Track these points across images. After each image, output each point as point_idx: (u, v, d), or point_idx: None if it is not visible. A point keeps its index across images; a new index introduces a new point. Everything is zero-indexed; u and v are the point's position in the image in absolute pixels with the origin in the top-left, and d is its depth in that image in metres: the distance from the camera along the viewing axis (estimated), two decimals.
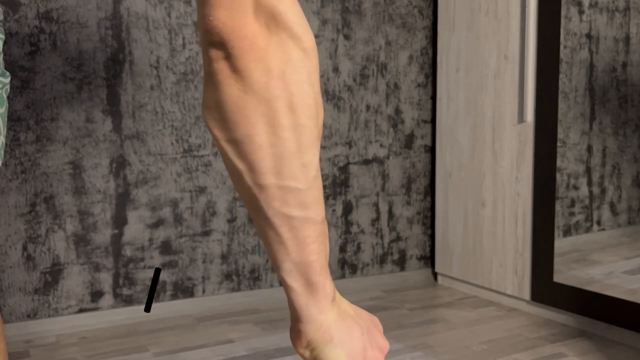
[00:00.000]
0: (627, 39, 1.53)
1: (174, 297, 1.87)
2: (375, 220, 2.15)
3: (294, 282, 0.52)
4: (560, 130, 1.71)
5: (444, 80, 2.10)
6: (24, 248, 1.68)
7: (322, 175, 2.05)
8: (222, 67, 0.46)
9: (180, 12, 1.82)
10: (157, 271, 1.78)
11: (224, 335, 1.69)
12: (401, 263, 2.22)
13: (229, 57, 0.46)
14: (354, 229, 2.12)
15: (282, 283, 0.53)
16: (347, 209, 2.10)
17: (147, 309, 1.60)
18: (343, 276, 2.11)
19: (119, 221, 1.78)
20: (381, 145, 2.14)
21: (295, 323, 0.55)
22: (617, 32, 1.56)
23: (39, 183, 1.68)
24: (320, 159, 2.04)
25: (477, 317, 1.83)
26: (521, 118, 1.82)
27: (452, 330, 1.71)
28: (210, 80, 0.47)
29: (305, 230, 0.51)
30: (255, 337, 1.66)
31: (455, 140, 2.07)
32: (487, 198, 1.95)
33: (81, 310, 1.75)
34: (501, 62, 1.87)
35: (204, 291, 1.90)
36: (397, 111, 2.16)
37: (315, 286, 0.53)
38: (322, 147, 2.04)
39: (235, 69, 0.46)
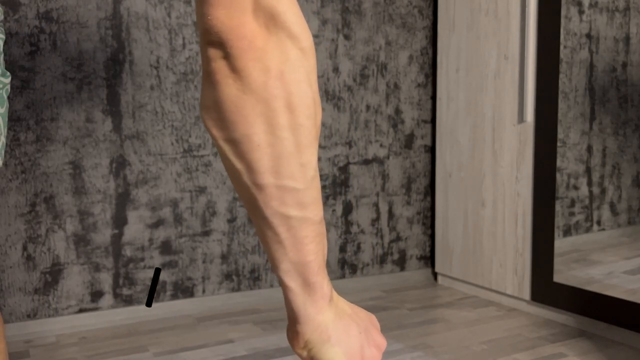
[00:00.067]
0: (627, 39, 1.53)
1: (174, 297, 1.87)
2: (375, 220, 2.15)
3: (292, 282, 0.52)
4: (560, 130, 1.71)
5: (444, 80, 2.10)
6: (24, 248, 1.68)
7: (322, 175, 2.05)
8: (220, 67, 0.46)
9: (180, 12, 1.82)
10: (157, 271, 1.78)
11: (224, 335, 1.69)
12: (401, 263, 2.22)
13: (227, 56, 0.46)
14: (354, 229, 2.12)
15: (280, 283, 0.53)
16: (347, 209, 2.10)
17: (149, 304, 1.60)
18: (343, 276, 2.11)
19: (119, 221, 1.78)
20: (381, 145, 2.14)
21: (292, 323, 0.55)
22: (617, 32, 1.56)
23: (39, 183, 1.68)
24: (320, 159, 2.04)
25: (477, 317, 1.83)
26: (521, 118, 1.82)
27: (452, 330, 1.71)
28: (209, 79, 0.47)
29: (303, 230, 0.51)
30: (255, 337, 1.66)
31: (455, 140, 2.07)
32: (487, 198, 1.95)
33: (81, 310, 1.75)
34: (501, 62, 1.87)
35: (204, 291, 1.90)
36: (397, 111, 2.16)
37: (313, 286, 0.53)
38: (322, 147, 2.04)
39: (233, 69, 0.46)
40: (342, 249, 2.10)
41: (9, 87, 0.80)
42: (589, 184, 1.64)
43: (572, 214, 1.69)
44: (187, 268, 1.87)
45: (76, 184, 1.72)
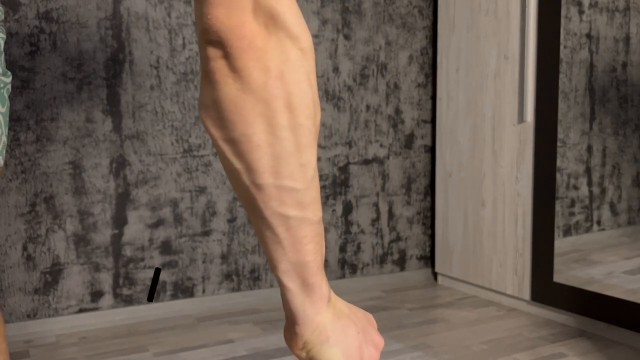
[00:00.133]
0: (627, 39, 1.53)
1: (174, 297, 1.87)
2: (375, 220, 2.15)
3: (290, 282, 0.52)
4: (560, 130, 1.71)
5: (444, 80, 2.10)
6: (24, 248, 1.68)
7: (322, 175, 2.05)
8: (220, 66, 0.46)
9: (180, 12, 1.82)
10: (157, 271, 1.78)
11: (224, 335, 1.69)
12: (401, 263, 2.22)
13: (227, 56, 0.46)
14: (354, 229, 2.12)
15: (278, 283, 0.53)
16: (347, 209, 2.10)
17: (150, 299, 1.60)
18: (343, 276, 2.11)
19: (119, 221, 1.78)
20: (381, 145, 2.14)
21: (290, 324, 0.55)
22: (617, 32, 1.56)
23: (39, 183, 1.68)
24: (320, 159, 2.04)
25: (477, 317, 1.83)
26: (521, 118, 1.82)
27: (452, 330, 1.71)
28: (208, 79, 0.47)
29: (302, 230, 0.50)
30: (255, 337, 1.66)
31: (455, 140, 2.07)
32: (487, 198, 1.95)
33: (81, 310, 1.75)
34: (501, 62, 1.87)
35: (204, 291, 1.90)
36: (397, 111, 2.16)
37: (312, 287, 0.53)
38: (322, 147, 2.04)
39: (233, 68, 0.46)
40: (342, 249, 2.10)
41: (9, 86, 0.80)
42: (589, 184, 1.64)
43: (572, 214, 1.69)
44: (187, 268, 1.87)
45: (76, 184, 1.72)
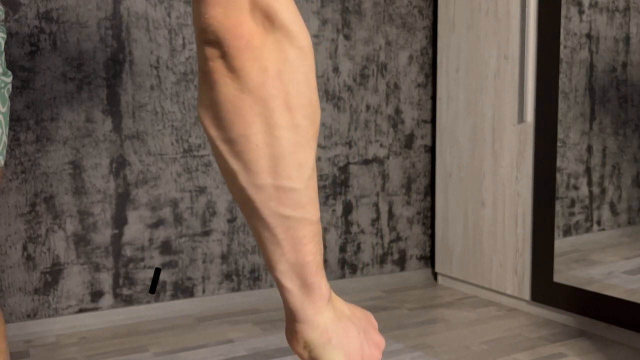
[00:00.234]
0: (627, 39, 1.53)
1: (174, 297, 1.87)
2: (375, 220, 2.15)
3: (289, 283, 0.52)
4: (560, 130, 1.70)
5: (444, 80, 2.10)
6: (24, 248, 1.68)
7: (322, 175, 2.05)
8: (217, 66, 0.46)
9: (180, 12, 1.82)
10: (157, 271, 1.78)
11: (224, 335, 1.69)
12: (401, 263, 2.22)
13: (224, 56, 0.45)
14: (354, 229, 2.12)
15: (277, 284, 0.53)
16: (347, 209, 2.10)
17: (152, 291, 1.60)
18: (343, 276, 2.11)
19: (119, 221, 1.78)
20: (381, 145, 2.14)
21: (291, 323, 0.55)
22: (617, 32, 1.55)
23: (39, 183, 1.68)
24: (320, 159, 2.04)
25: (477, 317, 1.82)
26: (521, 118, 1.82)
27: (452, 330, 1.71)
28: (206, 79, 0.47)
29: (301, 230, 0.50)
30: (255, 337, 1.66)
31: (455, 140, 2.07)
32: (487, 198, 1.95)
33: (81, 310, 1.76)
34: (501, 62, 1.87)
35: (204, 291, 1.90)
36: (397, 111, 2.16)
37: (311, 287, 0.53)
38: (322, 147, 2.04)
39: (231, 68, 0.46)
40: (342, 249, 2.10)
41: (10, 86, 0.80)
42: (589, 184, 1.64)
43: (572, 214, 1.69)
44: (187, 268, 1.87)
45: (76, 184, 1.72)
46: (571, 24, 1.66)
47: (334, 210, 2.07)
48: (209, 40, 0.45)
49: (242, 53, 0.45)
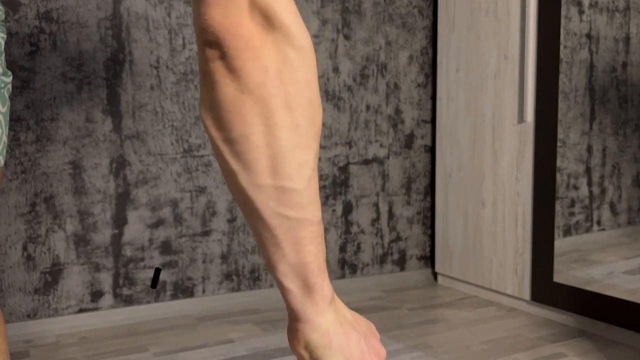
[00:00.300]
0: (627, 39, 1.53)
1: (174, 297, 1.87)
2: (375, 220, 2.15)
3: (290, 283, 0.52)
4: (560, 130, 1.70)
5: (444, 80, 2.10)
6: (24, 248, 1.68)
7: (322, 175, 2.05)
8: (218, 67, 0.46)
9: (180, 12, 1.82)
10: (157, 271, 1.78)
11: (224, 335, 1.69)
12: (401, 263, 2.22)
13: (224, 56, 0.45)
14: (354, 229, 2.12)
15: (278, 285, 0.53)
16: (347, 209, 2.10)
17: (153, 286, 1.60)
18: (343, 276, 2.11)
19: (119, 221, 1.78)
20: (381, 145, 2.14)
21: (292, 322, 0.55)
22: (617, 32, 1.55)
23: (39, 183, 1.68)
24: (320, 159, 2.04)
25: (477, 317, 1.82)
26: (521, 118, 1.82)
27: (452, 330, 1.71)
28: (206, 79, 0.47)
29: (301, 231, 0.50)
30: (255, 337, 1.66)
31: (455, 140, 2.07)
32: (487, 198, 1.95)
33: (81, 310, 1.76)
34: (501, 62, 1.87)
35: (204, 291, 1.90)
36: (397, 111, 2.16)
37: (313, 288, 0.53)
38: (322, 147, 2.05)
39: (231, 69, 0.46)
40: (342, 249, 2.10)
41: (10, 86, 0.80)
42: (589, 184, 1.64)
43: (572, 214, 1.69)
44: (187, 268, 1.87)
45: (76, 184, 1.72)
46: (571, 24, 1.66)
47: (334, 210, 2.07)
48: (209, 40, 0.46)
49: (242, 53, 0.45)
